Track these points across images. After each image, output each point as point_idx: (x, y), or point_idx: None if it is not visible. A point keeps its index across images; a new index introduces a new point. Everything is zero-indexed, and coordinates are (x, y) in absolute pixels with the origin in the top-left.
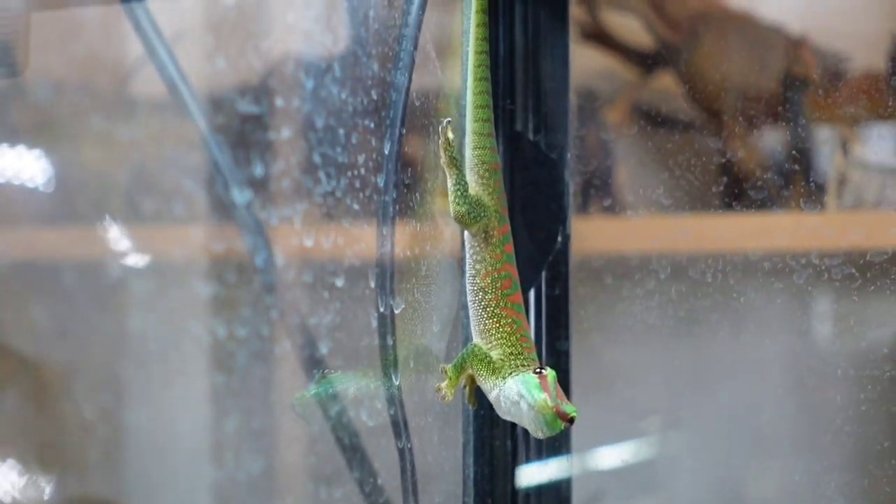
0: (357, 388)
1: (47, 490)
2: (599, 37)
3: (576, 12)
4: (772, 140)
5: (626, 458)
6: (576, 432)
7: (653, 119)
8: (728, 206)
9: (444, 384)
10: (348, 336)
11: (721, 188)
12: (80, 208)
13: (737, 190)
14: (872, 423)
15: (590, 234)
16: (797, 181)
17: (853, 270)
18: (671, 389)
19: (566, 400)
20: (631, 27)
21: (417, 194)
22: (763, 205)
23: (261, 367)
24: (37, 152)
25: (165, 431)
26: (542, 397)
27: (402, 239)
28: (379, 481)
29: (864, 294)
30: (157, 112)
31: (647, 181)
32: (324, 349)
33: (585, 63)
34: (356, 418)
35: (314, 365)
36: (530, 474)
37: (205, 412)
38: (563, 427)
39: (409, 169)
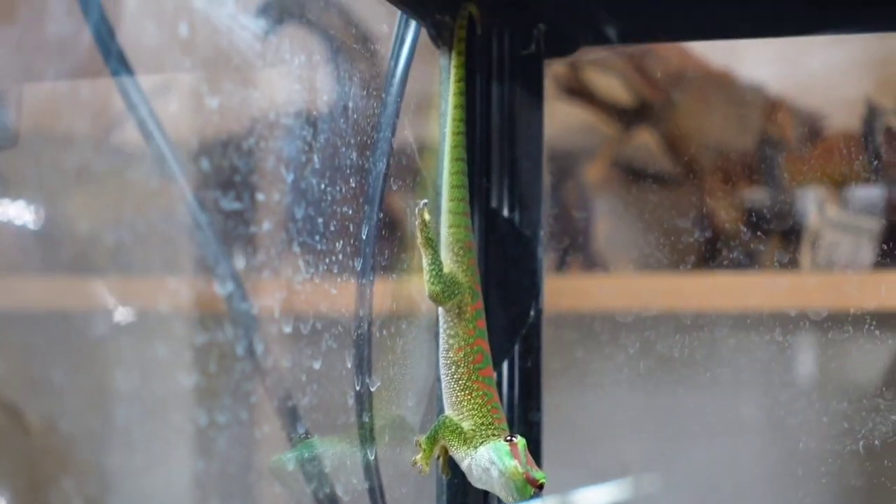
0: (334, 453)
1: None
2: (581, 93)
3: (559, 70)
4: (749, 198)
5: None
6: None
7: (632, 174)
8: (704, 264)
9: (419, 457)
10: (325, 415)
11: (698, 245)
12: (64, 259)
13: (713, 247)
14: (878, 486)
15: (567, 291)
16: (773, 240)
17: (828, 329)
18: (647, 450)
19: (536, 467)
20: (611, 85)
21: (394, 275)
22: (739, 263)
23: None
24: (21, 203)
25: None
26: (512, 464)
27: (379, 317)
28: None
29: (839, 351)
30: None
31: (624, 237)
32: (300, 431)
33: (567, 118)
34: (333, 486)
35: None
36: None
37: (186, 470)
38: (532, 493)
39: (387, 252)
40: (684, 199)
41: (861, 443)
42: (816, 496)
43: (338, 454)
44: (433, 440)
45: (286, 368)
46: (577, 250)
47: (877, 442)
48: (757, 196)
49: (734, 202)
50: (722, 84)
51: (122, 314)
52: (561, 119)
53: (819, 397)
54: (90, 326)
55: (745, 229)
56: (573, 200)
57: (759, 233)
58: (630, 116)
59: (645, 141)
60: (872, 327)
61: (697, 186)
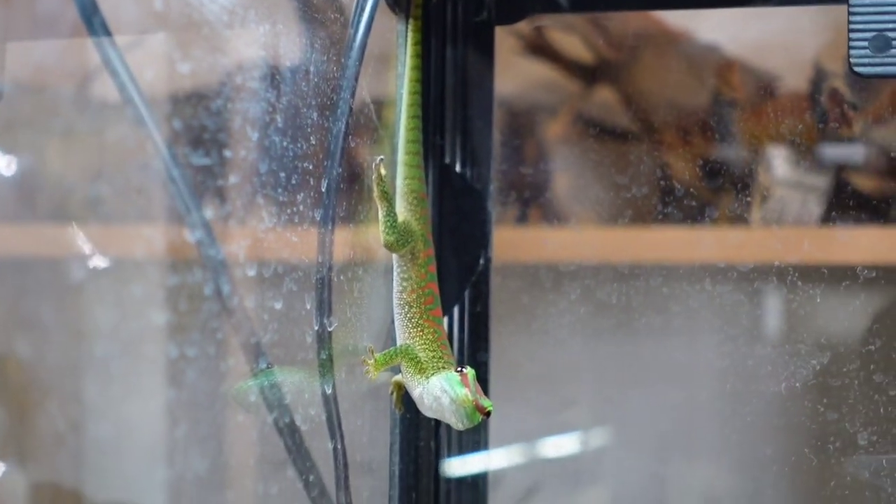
0: (293, 382)
1: (12, 478)
2: (544, 51)
3: (523, 29)
4: (703, 154)
5: (554, 452)
6: (495, 432)
7: (592, 129)
8: (659, 217)
9: (371, 364)
10: (285, 351)
11: (654, 199)
12: (40, 207)
13: (669, 201)
14: (797, 424)
15: (524, 243)
16: (725, 195)
17: (775, 281)
18: (596, 391)
19: (484, 395)
20: (573, 43)
21: (352, 225)
22: (692, 216)
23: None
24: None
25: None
26: (463, 392)
27: (338, 264)
28: (311, 477)
29: (787, 302)
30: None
31: (584, 191)
32: (262, 364)
33: (531, 76)
34: (292, 412)
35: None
36: (452, 468)
37: (159, 406)
38: (480, 419)
39: (345, 203)
40: (642, 154)
41: (783, 385)
42: (741, 433)
43: (297, 384)
44: (389, 359)
45: (250, 308)
46: (537, 203)
47: (797, 384)
48: (711, 152)
49: (689, 158)
50: (679, 44)
51: (99, 260)
52: (525, 76)
53: (745, 342)
54: (68, 272)
55: (699, 184)
56: (535, 155)
57: (712, 187)
58: (591, 74)
59: (605, 98)
60: (795, 279)
61: (655, 142)
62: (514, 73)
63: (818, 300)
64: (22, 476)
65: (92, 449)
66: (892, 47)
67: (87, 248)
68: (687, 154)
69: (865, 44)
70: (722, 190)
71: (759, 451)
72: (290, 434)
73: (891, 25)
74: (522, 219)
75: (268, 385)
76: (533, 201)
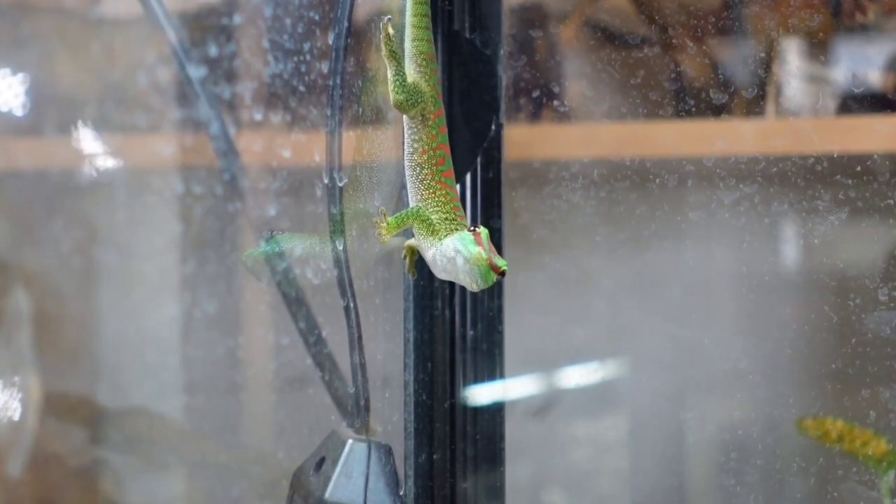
0: (304, 247)
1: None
2: None
3: None
4: (716, 52)
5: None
6: (508, 301)
7: (603, 34)
8: (672, 115)
9: (383, 226)
10: (295, 202)
11: (666, 99)
12: (53, 121)
13: (681, 100)
14: (816, 282)
15: (536, 141)
16: (739, 91)
17: (793, 175)
18: (603, 261)
19: (498, 255)
20: None
21: (360, 82)
22: (706, 114)
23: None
24: (9, 69)
25: (136, 323)
26: (476, 250)
27: (347, 122)
28: (323, 333)
29: (802, 199)
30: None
31: (595, 92)
32: (272, 211)
33: None
34: (302, 276)
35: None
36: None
37: (172, 307)
38: (495, 279)
39: (353, 60)
40: (654, 56)
41: (802, 241)
42: (759, 293)
43: (307, 247)
44: (401, 221)
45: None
46: (547, 102)
47: (816, 241)
48: (724, 50)
49: (702, 58)
50: None
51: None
52: None
53: (760, 200)
54: (81, 182)
55: (712, 82)
56: (546, 57)
57: (725, 85)
58: None
59: (616, 1)
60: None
61: (667, 44)
62: None
63: (835, 155)
64: (38, 385)
65: (106, 354)
66: None
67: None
68: (700, 54)
69: None
70: (735, 88)
71: (779, 311)
72: (297, 294)
73: None
74: (535, 117)
75: (278, 251)
76: (543, 101)
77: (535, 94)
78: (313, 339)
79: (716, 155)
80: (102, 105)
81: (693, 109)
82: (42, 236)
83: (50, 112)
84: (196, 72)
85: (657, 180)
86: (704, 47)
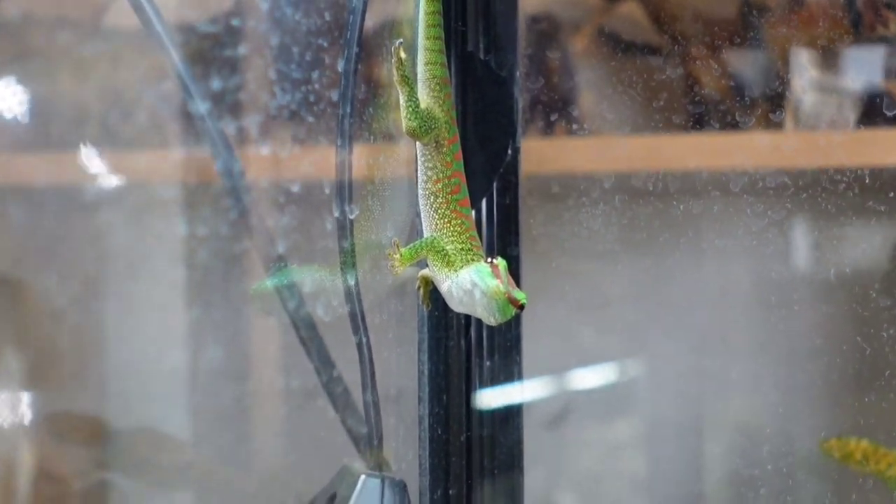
0: (313, 280)
1: (28, 406)
2: None
3: None
4: (733, 64)
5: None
6: (527, 329)
7: (617, 44)
8: (689, 128)
9: (396, 258)
10: (304, 237)
11: (682, 111)
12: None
13: (698, 113)
14: (847, 312)
15: (552, 154)
16: (756, 104)
17: (812, 189)
18: (624, 283)
19: (517, 287)
20: None
21: (371, 109)
22: (723, 127)
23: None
24: (12, 81)
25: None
26: (494, 284)
27: (358, 150)
28: (335, 371)
29: (821, 211)
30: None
31: (609, 105)
32: (280, 248)
33: None
34: (313, 311)
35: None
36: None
37: (179, 323)
38: (514, 313)
39: (363, 86)
40: (669, 68)
41: (832, 270)
42: (788, 322)
43: (318, 280)
44: (415, 252)
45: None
46: (562, 115)
47: (847, 270)
48: (741, 62)
49: (718, 69)
50: None
51: (114, 183)
52: None
53: (790, 226)
54: (86, 197)
55: (729, 95)
56: (559, 69)
57: (743, 98)
58: None
59: (629, 11)
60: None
61: (682, 55)
62: None
63: (867, 180)
64: (43, 404)
65: (113, 374)
66: None
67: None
68: (716, 65)
69: None
70: (753, 101)
71: (808, 342)
72: (308, 331)
73: None
74: (548, 131)
75: (286, 283)
76: (558, 114)
77: (550, 107)
78: (326, 377)
79: (735, 168)
80: (107, 119)
81: (710, 121)
82: (46, 253)
83: (54, 126)
84: (201, 105)
85: (675, 196)
86: (721, 58)
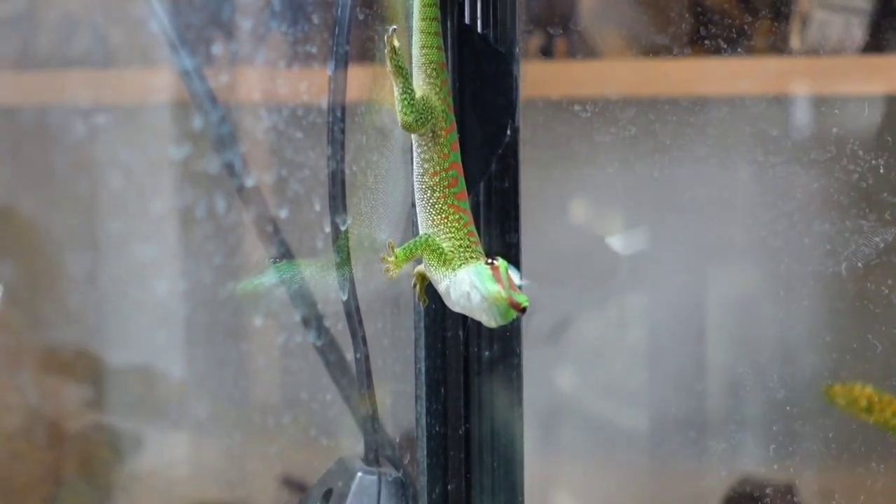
0: (304, 277)
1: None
2: None
3: None
4: None
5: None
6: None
7: None
8: (693, 46)
9: (391, 261)
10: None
11: (687, 25)
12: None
13: (702, 28)
14: (833, 299)
15: (551, 78)
16: (762, 20)
17: (810, 149)
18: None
19: (518, 290)
20: None
21: (363, 108)
22: (728, 44)
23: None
24: None
25: (137, 280)
26: (495, 289)
27: (350, 151)
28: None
29: (822, 171)
30: None
31: (611, 19)
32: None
33: None
34: (306, 309)
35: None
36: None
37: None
38: (515, 316)
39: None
40: None
41: (844, 265)
42: (799, 317)
43: (310, 279)
44: (409, 253)
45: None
46: (562, 34)
47: (860, 264)
48: None
49: None
50: None
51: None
52: None
53: (801, 218)
54: (69, 119)
55: (734, 8)
56: None
57: (748, 12)
58: None
59: None
60: (856, 147)
61: None
62: None
63: (881, 170)
64: (36, 338)
65: (106, 311)
66: None
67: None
68: None
69: None
70: (758, 14)
71: (819, 338)
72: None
73: None
74: (548, 52)
75: (278, 283)
76: (558, 34)
77: (548, 25)
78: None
79: (742, 93)
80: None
81: (713, 41)
82: (37, 180)
83: (42, 41)
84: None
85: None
86: None
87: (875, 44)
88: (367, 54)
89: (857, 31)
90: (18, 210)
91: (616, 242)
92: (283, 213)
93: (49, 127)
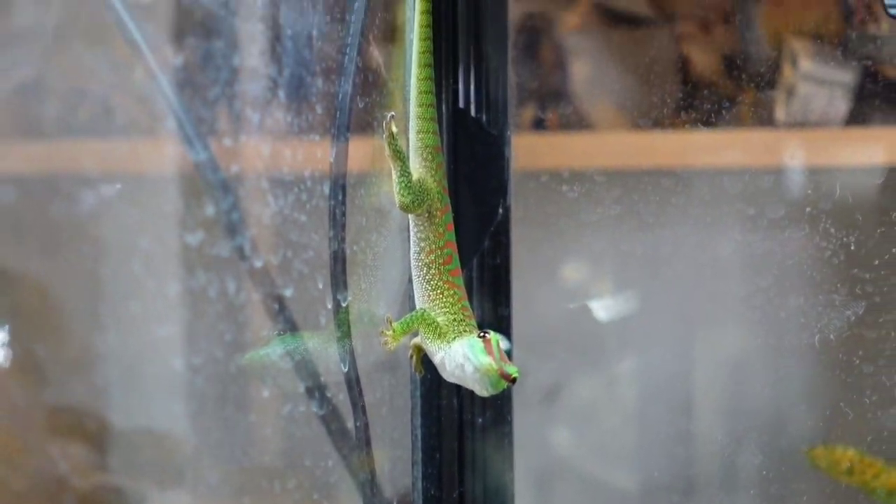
0: (307, 349)
1: (28, 400)
2: None
3: None
4: (725, 47)
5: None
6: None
7: (611, 19)
8: (680, 116)
9: (389, 334)
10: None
11: (674, 95)
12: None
13: (689, 97)
14: (832, 378)
15: (542, 150)
16: (747, 92)
17: (785, 227)
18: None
19: (508, 361)
20: None
21: (363, 190)
22: (713, 115)
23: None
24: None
25: (139, 340)
26: (487, 360)
27: (350, 233)
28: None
29: (797, 247)
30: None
31: (602, 86)
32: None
33: None
34: (310, 380)
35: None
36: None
37: (176, 326)
38: (506, 386)
39: (355, 167)
40: (662, 45)
41: (817, 337)
42: (774, 388)
43: (312, 351)
44: (406, 327)
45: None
46: (554, 107)
47: (832, 336)
48: (733, 45)
49: (711, 50)
50: None
51: (109, 180)
52: None
53: (777, 293)
54: (74, 190)
55: (720, 79)
56: (551, 56)
57: (734, 83)
58: None
59: None
60: (828, 225)
61: (675, 33)
62: None
63: (852, 247)
64: (42, 399)
65: (112, 374)
66: None
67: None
68: (709, 47)
69: None
70: (744, 86)
71: (794, 408)
72: (312, 403)
73: None
74: (539, 125)
75: (283, 354)
76: (550, 105)
77: (541, 99)
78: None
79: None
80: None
81: (699, 112)
82: (45, 245)
83: (51, 111)
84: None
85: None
86: (713, 40)
87: (858, 117)
88: (366, 139)
89: (841, 105)
90: (27, 277)
91: (602, 309)
92: (288, 292)
93: (56, 197)
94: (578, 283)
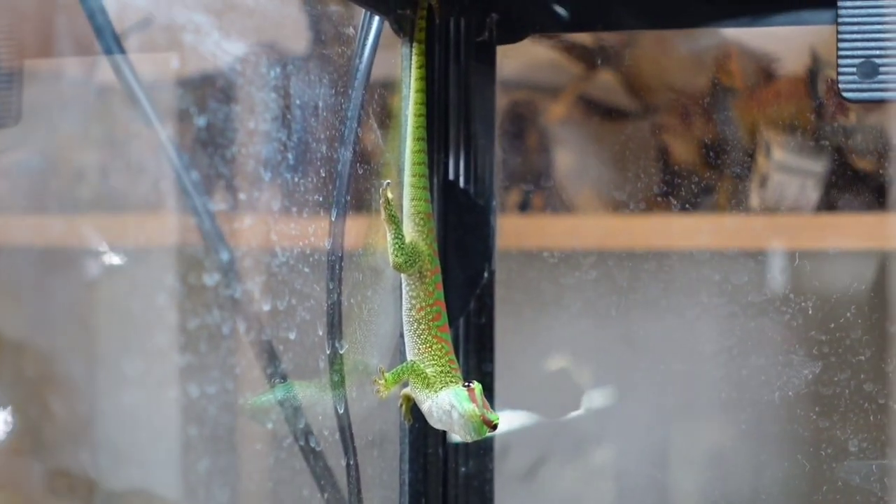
0: (304, 396)
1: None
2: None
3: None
4: (703, 137)
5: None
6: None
7: (595, 111)
8: (659, 201)
9: (381, 384)
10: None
11: (655, 182)
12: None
13: (668, 184)
14: (767, 424)
15: (527, 231)
16: (724, 180)
17: (747, 292)
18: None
19: (490, 409)
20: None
21: (360, 249)
22: (692, 201)
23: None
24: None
25: (136, 409)
26: (470, 407)
27: (348, 287)
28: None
29: (759, 310)
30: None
31: (585, 175)
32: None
33: (533, 57)
34: (306, 425)
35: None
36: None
37: (173, 394)
38: (488, 432)
39: (353, 230)
40: (643, 136)
41: (777, 394)
42: (736, 440)
43: (309, 398)
44: (397, 377)
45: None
46: (539, 190)
47: (790, 393)
48: (710, 135)
49: (689, 140)
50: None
51: (112, 256)
52: (528, 58)
53: (739, 352)
54: (82, 264)
55: (698, 167)
56: (536, 141)
57: (711, 172)
58: (592, 57)
59: (606, 80)
60: (790, 296)
61: (655, 124)
62: (517, 54)
63: (810, 312)
64: (39, 465)
65: (108, 440)
66: (879, 73)
67: (101, 243)
68: (687, 137)
69: (853, 69)
70: (721, 174)
71: (755, 458)
72: (306, 446)
73: (878, 52)
74: (525, 207)
75: (282, 399)
76: (535, 189)
77: (526, 182)
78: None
79: (701, 248)
80: (105, 177)
81: (678, 199)
82: (39, 314)
83: (50, 186)
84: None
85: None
86: (691, 130)
87: (828, 203)
88: (364, 204)
89: (812, 193)
90: (29, 344)
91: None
92: (291, 335)
93: (59, 267)
94: (561, 370)
